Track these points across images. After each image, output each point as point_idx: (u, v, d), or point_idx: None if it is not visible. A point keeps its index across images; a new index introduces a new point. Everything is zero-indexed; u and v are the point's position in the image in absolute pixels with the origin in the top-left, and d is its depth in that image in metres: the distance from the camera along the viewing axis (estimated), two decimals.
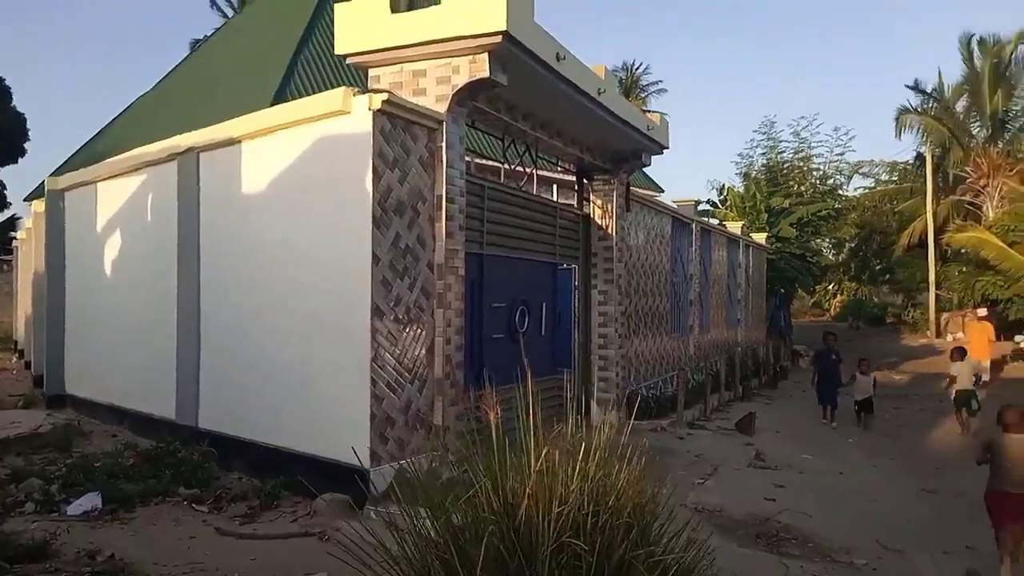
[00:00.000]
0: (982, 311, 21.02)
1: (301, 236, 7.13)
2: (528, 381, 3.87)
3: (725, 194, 30.07)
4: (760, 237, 23.92)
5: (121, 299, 10.02)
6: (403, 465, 6.55)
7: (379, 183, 6.52)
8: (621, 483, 3.21)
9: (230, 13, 42.17)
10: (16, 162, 41.47)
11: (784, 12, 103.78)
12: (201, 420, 8.31)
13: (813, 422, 13.11)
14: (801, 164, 30.96)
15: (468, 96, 7.31)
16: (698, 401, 13.59)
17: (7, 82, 38.44)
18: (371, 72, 7.51)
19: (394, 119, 6.70)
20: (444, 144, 7.19)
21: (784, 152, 31.24)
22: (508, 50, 6.87)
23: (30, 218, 17.13)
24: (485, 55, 6.89)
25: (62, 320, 11.45)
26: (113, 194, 10.28)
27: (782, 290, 27.79)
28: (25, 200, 21.95)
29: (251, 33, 23.18)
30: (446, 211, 7.21)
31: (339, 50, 7.36)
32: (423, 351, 7.07)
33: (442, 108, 7.14)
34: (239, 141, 7.84)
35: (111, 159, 10.90)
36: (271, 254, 7.47)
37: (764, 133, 31.86)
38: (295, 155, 7.20)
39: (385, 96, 6.48)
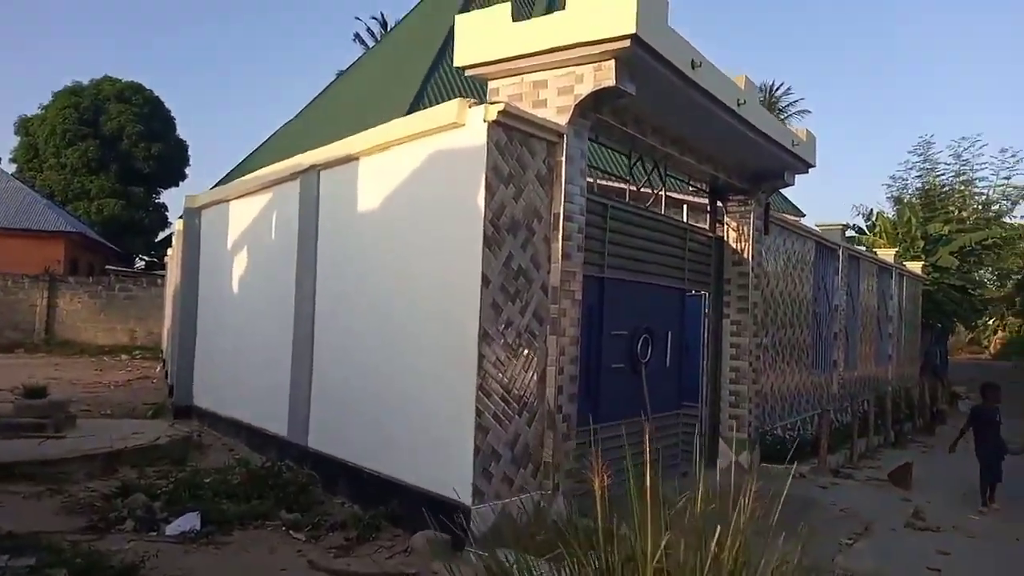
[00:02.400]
0: None
1: (411, 256, 6.82)
2: (647, 418, 3.25)
3: (874, 219, 28.02)
4: (915, 266, 21.90)
5: (244, 315, 10.16)
6: (507, 504, 6.08)
7: (492, 200, 6.09)
8: None
9: (371, 44, 44.04)
10: (177, 185, 44.99)
11: (936, 30, 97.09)
12: (311, 440, 8.15)
13: (977, 481, 11.38)
14: (963, 188, 28.35)
15: (592, 107, 6.78)
16: (843, 445, 12.28)
17: (172, 113, 41.86)
18: (490, 84, 7.15)
19: (510, 131, 6.26)
20: (564, 158, 6.68)
21: (943, 175, 28.75)
22: (637, 56, 6.29)
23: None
24: (612, 62, 6.33)
25: (193, 333, 11.81)
26: (242, 213, 10.48)
27: (938, 324, 25.38)
28: (179, 219, 23.46)
29: (387, 60, 23.81)
30: (563, 230, 6.68)
31: (458, 62, 7.04)
32: (534, 381, 6.54)
33: (563, 120, 6.64)
34: (356, 158, 7.67)
35: (243, 178, 11.17)
36: (382, 273, 7.20)
37: (920, 154, 29.53)
38: (409, 171, 6.92)
39: (501, 107, 6.05)
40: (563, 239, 6.67)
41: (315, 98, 28.55)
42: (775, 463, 10.51)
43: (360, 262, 7.58)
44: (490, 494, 6.03)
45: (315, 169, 8.40)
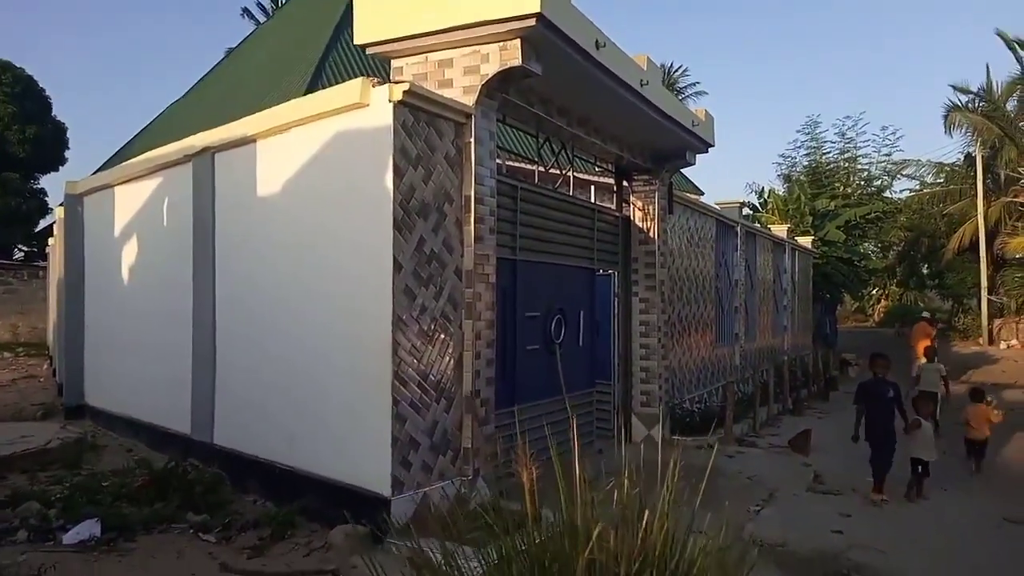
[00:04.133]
0: (926, 315, 20.57)
1: (318, 242, 6.58)
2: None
3: (766, 197, 29.19)
4: (805, 241, 22.96)
5: (137, 307, 9.60)
6: (428, 492, 6.00)
7: (401, 182, 5.93)
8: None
9: (263, 20, 42.32)
10: (57, 170, 42.21)
11: (823, 11, 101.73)
12: (216, 436, 7.81)
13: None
14: (847, 165, 29.87)
15: (498, 87, 6.70)
16: (746, 415, 12.77)
17: (47, 93, 39.18)
18: (393, 63, 6.95)
19: (417, 112, 6.10)
20: (473, 140, 6.58)
21: (829, 153, 30.20)
22: (542, 35, 6.25)
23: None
24: (517, 41, 6.27)
25: (81, 328, 11.10)
26: (130, 198, 9.88)
27: (828, 295, 26.75)
28: (60, 206, 22.03)
29: (280, 36, 22.95)
30: (475, 213, 6.60)
31: (358, 39, 6.80)
32: (450, 366, 6.45)
33: (470, 100, 6.53)
34: (254, 140, 7.33)
35: (129, 161, 10.53)
36: (287, 261, 6.93)
37: (807, 133, 30.93)
38: (311, 153, 6.65)
39: (406, 87, 5.89)
40: (475, 222, 6.59)
41: (203, 77, 27.30)
42: (685, 435, 10.85)
43: (263, 249, 7.26)
44: (410, 483, 5.93)
45: (209, 151, 7.98)
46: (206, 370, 7.91)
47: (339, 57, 15.26)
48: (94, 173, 18.51)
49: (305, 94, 12.82)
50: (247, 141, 7.35)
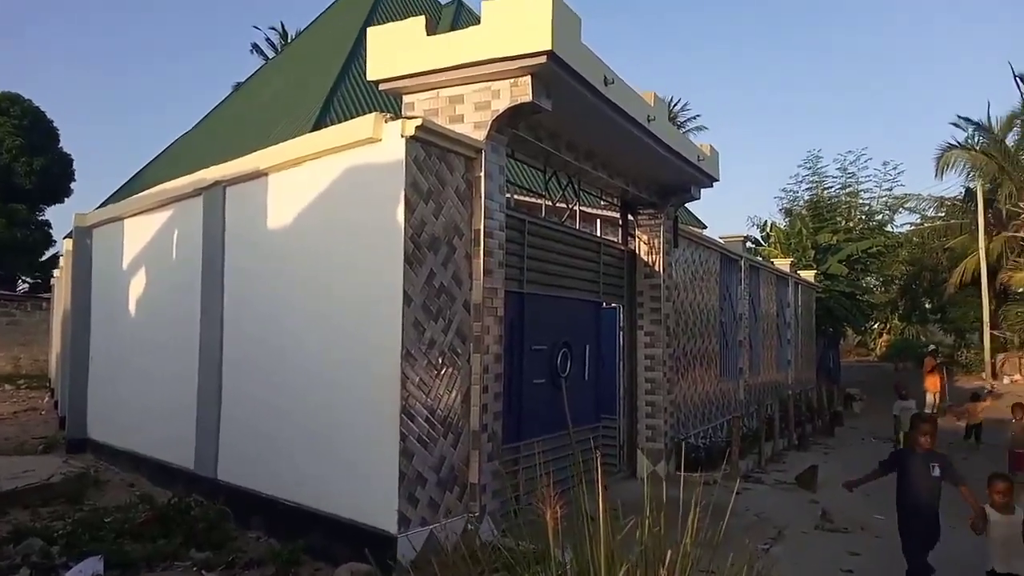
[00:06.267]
0: (932, 347, 20.93)
1: (328, 275, 6.58)
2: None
3: (768, 231, 29.29)
4: (808, 275, 22.99)
5: (143, 340, 9.58)
6: (434, 530, 5.93)
7: (412, 216, 5.96)
8: None
9: (271, 55, 42.91)
10: (62, 202, 42.45)
11: (825, 45, 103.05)
12: (220, 472, 7.73)
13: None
14: (848, 199, 30.04)
15: (508, 123, 6.76)
16: (752, 450, 12.67)
17: (55, 124, 39.56)
18: (405, 99, 7.02)
19: (429, 147, 6.15)
20: (483, 174, 6.62)
21: (831, 187, 30.38)
22: (553, 72, 6.31)
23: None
24: (528, 78, 6.34)
25: (86, 361, 11.06)
26: (139, 231, 9.91)
27: (830, 329, 26.71)
28: (65, 238, 22.12)
29: (290, 71, 23.22)
30: (484, 247, 6.61)
31: (371, 75, 6.88)
32: (458, 400, 6.41)
33: (480, 135, 6.58)
34: (265, 174, 7.37)
35: (139, 195, 10.57)
36: (296, 295, 6.93)
37: (809, 167, 31.12)
38: (323, 187, 6.69)
39: (419, 122, 5.94)
40: (484, 255, 6.60)
41: (212, 110, 27.58)
42: (690, 471, 10.73)
43: (272, 283, 7.26)
44: (416, 520, 5.85)
45: (220, 185, 8.02)
46: (211, 405, 7.86)
47: (347, 92, 15.41)
48: (100, 205, 18.61)
49: (313, 128, 12.99)
50: (259, 174, 7.39)
